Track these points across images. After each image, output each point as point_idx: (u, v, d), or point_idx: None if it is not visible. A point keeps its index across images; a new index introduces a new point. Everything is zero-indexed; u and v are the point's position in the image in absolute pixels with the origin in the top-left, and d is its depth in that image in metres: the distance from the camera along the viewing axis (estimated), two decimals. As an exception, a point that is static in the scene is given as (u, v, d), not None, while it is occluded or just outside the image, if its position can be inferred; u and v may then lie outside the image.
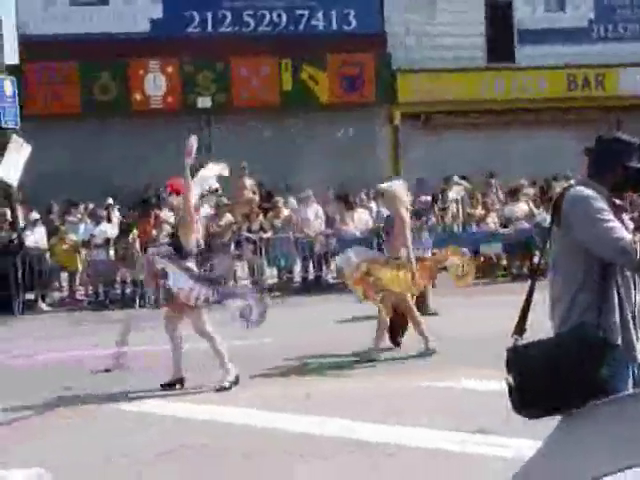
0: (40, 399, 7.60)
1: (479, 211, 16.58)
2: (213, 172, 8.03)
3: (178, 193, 7.95)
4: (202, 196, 8.12)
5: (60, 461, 5.71)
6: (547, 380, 3.14)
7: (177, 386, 7.74)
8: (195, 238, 7.95)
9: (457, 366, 7.75)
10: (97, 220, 15.34)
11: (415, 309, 8.95)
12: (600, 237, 3.19)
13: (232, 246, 15.26)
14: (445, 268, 9.23)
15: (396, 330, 9.11)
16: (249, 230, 15.47)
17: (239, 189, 18.25)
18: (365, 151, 21.18)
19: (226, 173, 7.95)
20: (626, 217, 3.43)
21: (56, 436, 6.50)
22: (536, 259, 13.62)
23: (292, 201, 16.65)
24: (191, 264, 7.79)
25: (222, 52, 20.89)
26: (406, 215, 8.80)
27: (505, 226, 15.97)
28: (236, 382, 7.68)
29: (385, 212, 15.32)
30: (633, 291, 3.31)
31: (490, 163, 19.49)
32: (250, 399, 7.18)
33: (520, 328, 3.29)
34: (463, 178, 18.57)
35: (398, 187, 8.99)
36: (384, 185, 9.10)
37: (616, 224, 3.22)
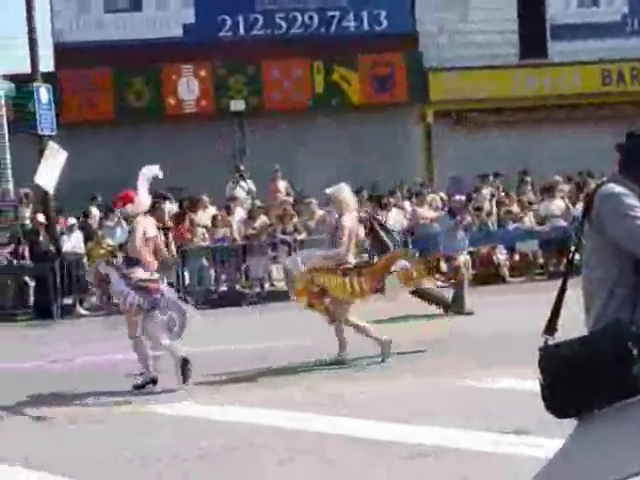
0: (69, 401, 7.77)
1: (515, 209, 16.46)
2: (150, 174, 8.20)
3: (132, 202, 8.23)
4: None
5: (80, 462, 5.77)
6: (579, 379, 3.11)
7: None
8: (145, 251, 8.09)
9: (492, 365, 7.70)
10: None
11: (353, 318, 8.73)
12: (631, 234, 3.15)
13: (268, 248, 15.33)
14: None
15: None
16: (284, 232, 15.52)
17: (272, 191, 18.33)
18: (398, 151, 21.13)
19: (160, 175, 8.25)
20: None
21: (79, 437, 6.58)
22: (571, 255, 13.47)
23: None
24: (139, 273, 7.99)
25: (254, 55, 20.99)
26: (349, 220, 8.75)
27: (541, 223, 15.84)
28: (152, 382, 7.98)
29: (425, 213, 15.37)
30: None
31: (523, 161, 19.38)
32: (275, 400, 7.19)
33: (551, 327, 3.26)
34: (496, 175, 18.47)
35: (345, 192, 8.96)
36: (330, 190, 9.07)
37: (647, 221, 3.18)
